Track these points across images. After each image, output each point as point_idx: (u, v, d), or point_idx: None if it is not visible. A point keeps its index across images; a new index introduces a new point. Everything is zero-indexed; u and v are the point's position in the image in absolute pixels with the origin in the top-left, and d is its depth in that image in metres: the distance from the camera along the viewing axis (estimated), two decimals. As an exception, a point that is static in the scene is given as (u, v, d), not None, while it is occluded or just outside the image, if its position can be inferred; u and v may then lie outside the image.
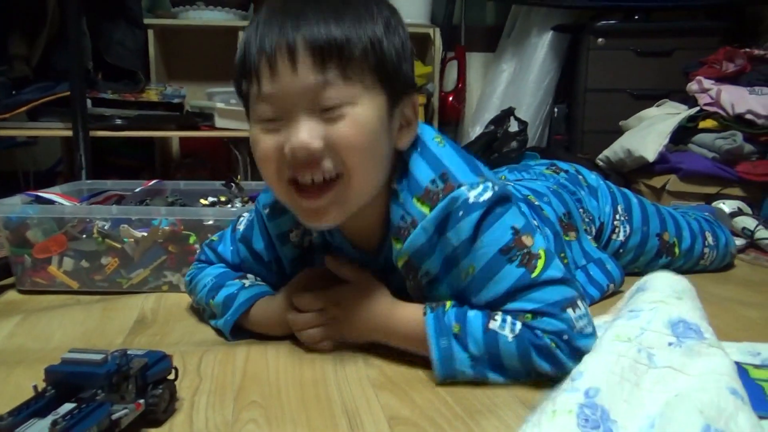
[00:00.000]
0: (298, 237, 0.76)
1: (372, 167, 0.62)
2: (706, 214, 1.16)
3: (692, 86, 1.73)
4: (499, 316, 0.62)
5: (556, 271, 0.62)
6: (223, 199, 1.16)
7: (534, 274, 0.61)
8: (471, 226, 0.62)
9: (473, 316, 0.62)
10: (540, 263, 0.62)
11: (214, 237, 0.85)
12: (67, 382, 0.50)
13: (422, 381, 0.63)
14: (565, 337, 0.59)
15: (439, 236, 0.64)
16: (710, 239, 1.07)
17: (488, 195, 0.62)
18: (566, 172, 1.02)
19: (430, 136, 0.68)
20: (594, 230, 0.97)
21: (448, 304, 0.65)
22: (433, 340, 0.62)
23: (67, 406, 0.48)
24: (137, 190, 1.18)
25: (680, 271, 1.04)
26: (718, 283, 1.03)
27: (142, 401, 0.52)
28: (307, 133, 0.58)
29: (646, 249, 1.01)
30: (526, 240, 0.63)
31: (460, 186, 0.62)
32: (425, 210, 0.63)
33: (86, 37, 1.68)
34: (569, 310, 0.60)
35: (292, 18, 0.58)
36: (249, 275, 0.80)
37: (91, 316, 0.85)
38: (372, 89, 0.60)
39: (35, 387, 0.50)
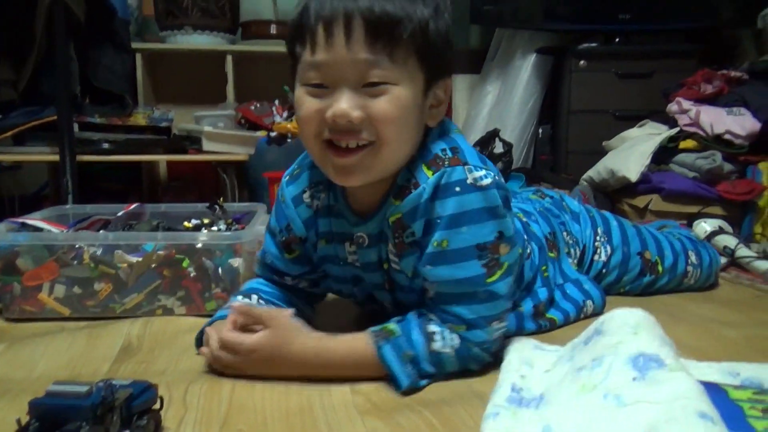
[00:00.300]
0: (309, 198, 0.79)
1: (402, 140, 0.68)
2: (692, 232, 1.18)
3: (672, 107, 1.77)
4: (438, 335, 0.68)
5: (504, 286, 0.70)
6: (206, 221, 1.17)
7: (488, 279, 0.68)
8: (462, 207, 0.66)
9: (416, 338, 0.68)
10: (498, 273, 0.69)
11: None
12: (52, 414, 0.50)
13: (408, 405, 0.64)
14: (486, 345, 0.71)
15: (431, 201, 0.68)
16: (693, 258, 1.09)
17: (487, 181, 0.67)
18: (551, 198, 1.06)
19: (452, 127, 0.75)
20: (578, 253, 0.99)
21: (394, 330, 0.69)
22: (400, 370, 0.67)
23: (51, 440, 0.48)
24: (119, 214, 1.17)
25: (665, 290, 1.07)
26: (699, 303, 1.04)
27: (127, 432, 0.51)
28: (349, 103, 0.64)
29: (629, 267, 1.03)
30: (503, 248, 0.69)
31: (465, 164, 0.68)
32: (429, 174, 0.68)
33: (74, 62, 1.68)
34: (494, 323, 0.71)
35: None
36: (254, 295, 0.81)
37: (76, 344, 0.85)
38: (413, 71, 0.66)
39: (18, 421, 0.49)
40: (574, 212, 1.03)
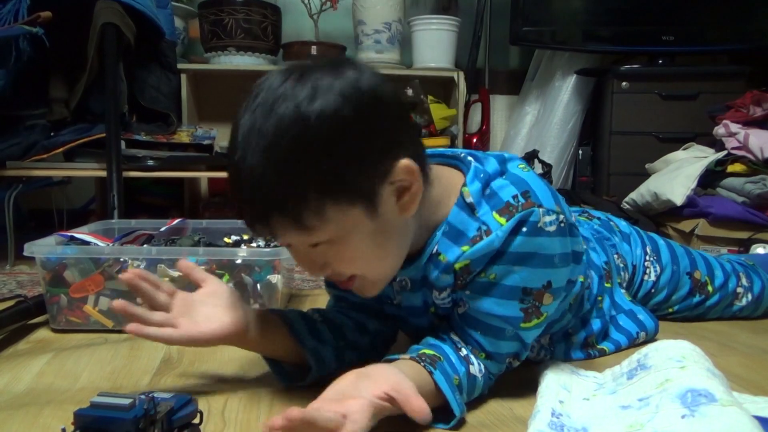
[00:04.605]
0: None
1: (380, 260, 0.65)
2: (743, 259, 1.14)
3: (719, 130, 1.72)
4: (471, 359, 0.67)
5: (533, 335, 0.69)
6: (246, 237, 1.18)
7: (523, 324, 0.67)
8: (522, 248, 0.64)
9: (457, 362, 0.66)
10: (534, 321, 0.67)
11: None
12: (96, 425, 0.50)
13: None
14: (495, 377, 0.71)
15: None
16: (744, 280, 1.05)
17: (553, 228, 0.65)
18: (599, 219, 1.03)
19: (515, 164, 0.70)
20: (627, 276, 0.97)
21: (437, 354, 0.66)
22: (451, 397, 0.63)
23: (95, 450, 0.48)
24: (162, 228, 1.20)
25: (715, 312, 1.03)
26: (752, 333, 1.00)
27: (167, 446, 0.52)
28: (309, 269, 0.65)
29: (678, 286, 1.00)
30: (546, 298, 0.67)
31: (539, 206, 0.64)
32: (502, 221, 0.64)
33: (123, 82, 1.74)
34: (510, 361, 0.70)
35: (244, 174, 0.58)
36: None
37: (118, 355, 0.86)
38: (342, 213, 0.58)
39: (63, 430, 0.50)
40: (624, 233, 1.01)
